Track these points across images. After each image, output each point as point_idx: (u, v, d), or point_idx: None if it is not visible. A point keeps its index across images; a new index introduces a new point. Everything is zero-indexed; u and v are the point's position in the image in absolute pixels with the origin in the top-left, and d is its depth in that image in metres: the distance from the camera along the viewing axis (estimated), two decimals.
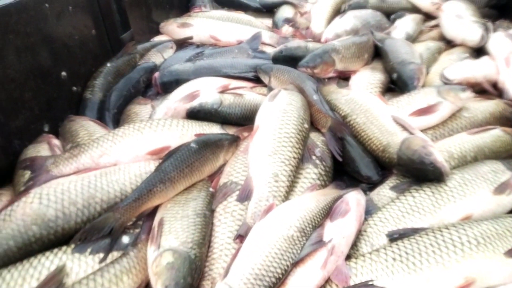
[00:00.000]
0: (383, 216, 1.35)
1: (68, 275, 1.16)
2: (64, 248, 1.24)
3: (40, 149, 1.65)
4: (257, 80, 2.09)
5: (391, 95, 1.91)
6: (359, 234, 1.33)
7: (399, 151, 1.48)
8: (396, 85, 1.97)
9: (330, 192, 1.41)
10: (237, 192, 1.44)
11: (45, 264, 1.18)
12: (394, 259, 1.19)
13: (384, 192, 1.49)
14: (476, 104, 1.76)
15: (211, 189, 1.51)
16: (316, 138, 1.62)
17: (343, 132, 1.57)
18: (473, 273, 1.14)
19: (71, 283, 1.14)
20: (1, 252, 1.21)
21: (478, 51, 2.16)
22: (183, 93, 1.91)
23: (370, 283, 1.12)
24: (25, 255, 1.22)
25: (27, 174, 1.49)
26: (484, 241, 1.17)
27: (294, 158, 1.47)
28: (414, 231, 1.27)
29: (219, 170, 1.58)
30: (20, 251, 1.23)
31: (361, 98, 1.71)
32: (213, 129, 1.74)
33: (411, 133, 1.53)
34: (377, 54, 2.16)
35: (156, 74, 2.15)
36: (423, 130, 1.63)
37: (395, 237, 1.28)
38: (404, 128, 1.55)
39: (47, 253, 1.22)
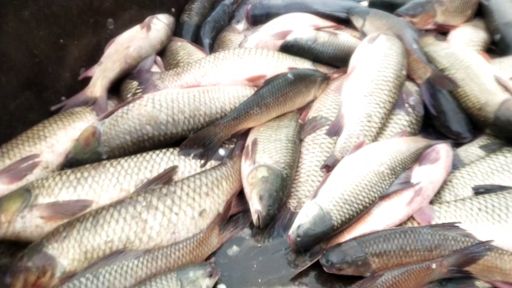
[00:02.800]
0: (472, 171, 1.37)
1: (176, 173, 1.30)
2: (171, 149, 1.38)
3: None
4: (346, 22, 2.06)
5: (490, 57, 1.83)
6: (444, 184, 1.37)
7: (498, 111, 1.46)
8: (497, 46, 1.88)
9: (421, 140, 1.44)
10: (327, 127, 1.50)
11: (156, 160, 1.33)
12: (479, 209, 1.23)
13: (472, 149, 1.49)
14: None
15: (300, 121, 1.58)
16: (411, 87, 1.62)
17: (445, 85, 1.55)
18: None
19: (180, 179, 1.28)
20: (118, 143, 1.37)
21: None
22: (275, 29, 1.93)
23: (456, 224, 1.17)
24: (138, 150, 1.38)
25: (135, 83, 1.62)
26: None
27: (389, 102, 1.49)
28: (501, 188, 1.29)
29: (308, 105, 1.64)
30: (134, 146, 1.39)
31: (462, 53, 1.66)
32: (305, 65, 1.78)
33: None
34: (479, 12, 2.05)
35: (249, 7, 2.17)
36: None
37: (480, 191, 1.31)
38: (506, 89, 1.52)
39: (157, 151, 1.36)
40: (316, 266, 1.20)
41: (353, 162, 1.32)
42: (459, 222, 1.19)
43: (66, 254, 1.08)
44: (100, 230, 1.11)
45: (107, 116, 1.41)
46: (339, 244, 1.17)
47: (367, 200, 1.23)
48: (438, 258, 1.14)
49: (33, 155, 1.33)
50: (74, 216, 1.17)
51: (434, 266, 1.12)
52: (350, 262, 1.12)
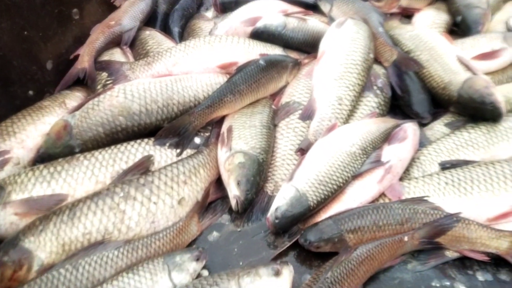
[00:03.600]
0: (438, 147, 1.43)
1: (153, 163, 1.30)
2: (146, 140, 1.38)
3: (114, 52, 1.74)
4: (314, 8, 2.08)
5: (453, 38, 1.90)
6: (412, 161, 1.43)
7: (461, 89, 1.52)
8: (458, 27, 1.96)
9: (389, 120, 1.49)
10: (299, 111, 1.54)
11: (131, 151, 1.33)
12: (446, 183, 1.30)
13: (438, 127, 1.55)
14: None
15: (273, 107, 1.60)
16: (378, 70, 1.67)
17: (411, 67, 1.60)
18: None
19: (157, 169, 1.28)
20: (91, 136, 1.35)
21: None
22: (245, 15, 1.93)
23: (425, 198, 1.23)
24: (112, 142, 1.36)
25: (105, 75, 1.59)
26: None
27: (359, 84, 1.54)
28: (466, 163, 1.36)
29: (281, 91, 1.67)
30: (108, 138, 1.37)
31: (426, 35, 1.72)
32: (275, 51, 1.80)
33: (474, 74, 1.57)
34: None
35: None
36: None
37: (447, 166, 1.37)
38: (468, 68, 1.59)
39: (132, 142, 1.35)
40: (295, 245, 1.24)
41: (326, 144, 1.36)
42: (427, 196, 1.25)
43: (43, 247, 1.07)
44: (77, 222, 1.10)
45: (77, 109, 1.39)
46: (316, 224, 1.21)
47: (340, 180, 1.27)
48: (409, 231, 1.19)
49: (2, 151, 1.30)
50: (50, 211, 1.15)
51: (406, 238, 1.18)
52: (327, 239, 1.16)
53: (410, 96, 1.62)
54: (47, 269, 1.04)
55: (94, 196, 1.16)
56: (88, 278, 1.01)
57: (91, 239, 1.10)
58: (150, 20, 2.05)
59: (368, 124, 1.43)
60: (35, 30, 1.54)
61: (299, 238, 1.21)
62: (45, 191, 1.19)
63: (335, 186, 1.27)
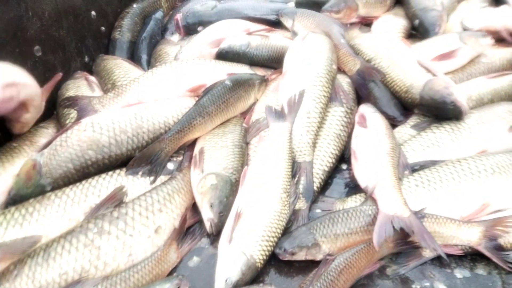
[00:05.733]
0: (405, 150, 1.47)
1: (126, 194, 1.29)
2: (118, 171, 1.37)
3: (80, 85, 1.74)
4: (277, 24, 2.13)
5: (412, 41, 1.97)
6: None
7: (422, 91, 1.57)
8: (417, 31, 2.03)
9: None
10: None
11: (103, 184, 1.32)
12: (416, 185, 1.33)
13: (404, 130, 1.60)
14: (495, 51, 1.84)
15: (244, 125, 1.62)
16: (342, 80, 1.71)
17: (373, 75, 1.65)
18: (489, 197, 1.28)
19: (130, 200, 1.28)
20: (61, 173, 1.34)
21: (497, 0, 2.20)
22: (210, 37, 1.96)
23: None
24: (83, 177, 1.35)
25: (73, 112, 1.58)
26: (499, 170, 1.31)
27: (324, 96, 1.57)
28: (433, 163, 1.40)
29: (251, 108, 1.69)
30: (78, 173, 1.36)
31: (385, 42, 1.78)
32: (243, 70, 1.83)
33: (434, 75, 1.62)
34: (398, 1, 2.20)
35: (178, 16, 2.19)
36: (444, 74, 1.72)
37: (415, 168, 1.41)
38: (428, 70, 1.64)
39: (103, 175, 1.35)
40: (275, 263, 1.24)
41: (252, 196, 1.29)
42: None
43: None
44: (52, 263, 1.09)
45: (45, 147, 1.38)
46: (290, 232, 1.23)
47: (279, 231, 1.24)
48: None
49: None
50: (24, 254, 1.13)
51: None
52: (301, 245, 1.18)
53: (382, 102, 1.65)
54: None
55: (68, 234, 1.15)
56: None
57: (67, 279, 1.08)
58: (115, 50, 2.07)
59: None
60: None
61: (275, 248, 1.21)
62: (18, 234, 1.17)
63: (275, 239, 1.23)
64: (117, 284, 1.08)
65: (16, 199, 1.30)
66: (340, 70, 1.77)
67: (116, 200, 1.25)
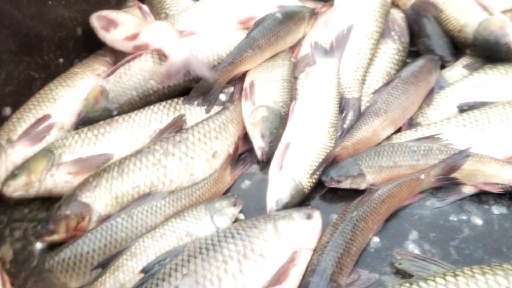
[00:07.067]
0: (455, 89, 1.48)
1: (185, 122, 1.40)
2: (176, 100, 1.47)
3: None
4: None
5: None
6: (429, 104, 1.48)
7: (476, 31, 1.52)
8: None
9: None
10: None
11: (164, 111, 1.42)
12: (464, 125, 1.36)
13: (456, 69, 1.59)
14: None
15: (293, 59, 1.65)
16: (395, 14, 1.67)
17: (428, 10, 1.60)
18: None
19: (189, 126, 1.38)
20: (126, 99, 1.45)
21: None
22: None
23: (437, 136, 1.31)
24: (145, 104, 1.46)
25: None
26: None
27: (377, 32, 1.56)
28: (483, 104, 1.41)
29: (299, 42, 1.70)
30: (141, 101, 1.47)
31: None
32: (292, 2, 1.80)
33: (490, 14, 1.56)
34: None
35: None
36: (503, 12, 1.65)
37: (464, 108, 1.43)
38: (484, 8, 1.58)
39: (163, 103, 1.45)
40: (320, 190, 1.34)
41: (301, 129, 1.36)
42: (441, 133, 1.32)
43: (99, 201, 1.21)
44: (126, 178, 1.23)
45: (110, 74, 1.47)
46: (337, 162, 1.30)
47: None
48: (424, 168, 1.27)
49: (45, 116, 1.41)
50: (98, 169, 1.28)
51: (422, 176, 1.26)
52: (347, 174, 1.26)
53: (432, 40, 1.62)
54: (104, 219, 1.19)
55: (137, 154, 1.28)
56: (142, 225, 1.16)
57: (139, 192, 1.23)
58: None
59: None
60: None
61: (321, 175, 1.30)
62: (92, 151, 1.31)
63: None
64: (182, 199, 1.23)
65: (86, 121, 1.43)
66: (394, 4, 1.72)
67: (177, 126, 1.36)
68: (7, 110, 1.46)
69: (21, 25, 1.46)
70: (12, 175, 1.30)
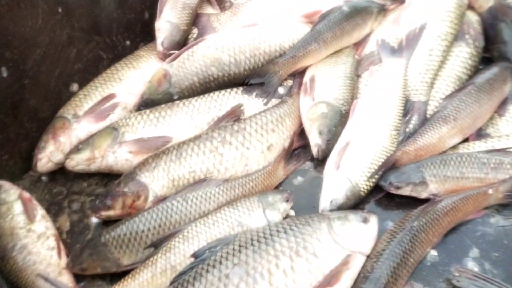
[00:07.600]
0: None
1: (243, 112, 1.40)
2: (235, 89, 1.47)
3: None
4: None
5: None
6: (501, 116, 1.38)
7: None
8: None
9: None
10: None
11: (223, 99, 1.43)
12: None
13: None
14: None
15: (356, 57, 1.60)
16: (471, 17, 1.57)
17: (508, 14, 1.49)
18: None
19: (247, 117, 1.38)
20: (187, 85, 1.47)
21: None
22: None
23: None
24: (205, 91, 1.47)
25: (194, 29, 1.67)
26: None
27: (451, 34, 1.47)
28: None
29: (365, 39, 1.64)
30: (202, 87, 1.48)
31: None
32: None
33: None
34: None
35: None
36: None
37: None
38: None
39: (223, 91, 1.45)
40: (376, 194, 1.29)
41: (362, 129, 1.32)
42: None
43: (156, 182, 1.24)
44: (184, 162, 1.25)
45: (174, 59, 1.50)
46: (398, 167, 1.24)
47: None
48: (493, 182, 1.20)
49: (111, 95, 1.46)
50: (157, 151, 1.31)
51: (490, 191, 1.19)
52: (408, 181, 1.20)
53: (508, 46, 1.51)
54: (160, 200, 1.22)
55: (196, 139, 1.29)
56: (195, 210, 1.17)
57: (195, 177, 1.25)
58: None
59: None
60: None
61: (380, 180, 1.25)
62: (153, 133, 1.34)
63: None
64: (236, 188, 1.23)
65: (148, 103, 1.46)
66: (470, 6, 1.62)
67: (235, 115, 1.36)
68: (75, 86, 1.53)
69: (95, 4, 1.51)
70: (76, 149, 1.35)
